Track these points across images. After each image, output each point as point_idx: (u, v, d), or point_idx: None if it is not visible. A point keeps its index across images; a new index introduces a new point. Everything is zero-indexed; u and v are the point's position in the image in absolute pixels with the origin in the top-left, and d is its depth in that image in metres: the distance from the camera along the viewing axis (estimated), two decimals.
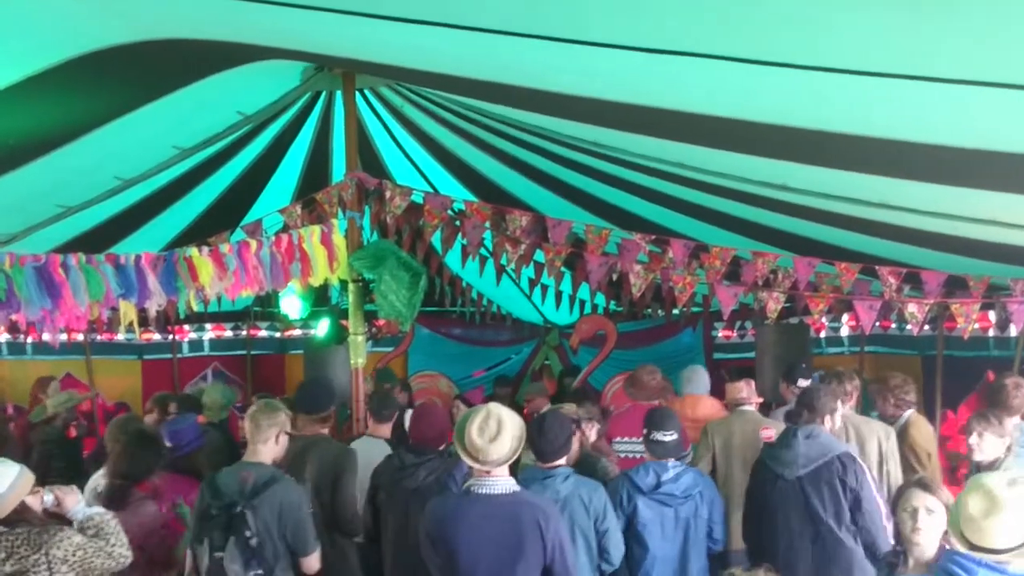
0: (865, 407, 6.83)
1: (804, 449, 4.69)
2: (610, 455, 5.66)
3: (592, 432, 5.51)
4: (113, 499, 4.38)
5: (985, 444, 4.84)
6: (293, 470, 4.58)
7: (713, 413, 6.52)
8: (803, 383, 6.29)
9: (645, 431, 4.81)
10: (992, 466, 4.78)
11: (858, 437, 5.43)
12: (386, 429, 5.57)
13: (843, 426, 5.48)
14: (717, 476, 5.62)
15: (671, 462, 4.74)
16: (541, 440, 4.28)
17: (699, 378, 6.74)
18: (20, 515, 3.55)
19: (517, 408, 8.30)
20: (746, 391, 5.92)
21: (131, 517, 4.26)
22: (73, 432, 7.45)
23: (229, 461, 4.60)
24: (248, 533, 4.00)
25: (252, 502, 4.04)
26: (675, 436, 4.75)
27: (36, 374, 8.69)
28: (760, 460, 4.98)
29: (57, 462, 6.67)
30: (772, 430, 5.70)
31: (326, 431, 5.30)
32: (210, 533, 4.06)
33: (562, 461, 4.39)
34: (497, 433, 3.70)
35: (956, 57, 2.61)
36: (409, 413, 6.15)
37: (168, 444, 4.99)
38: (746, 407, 5.85)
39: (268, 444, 4.27)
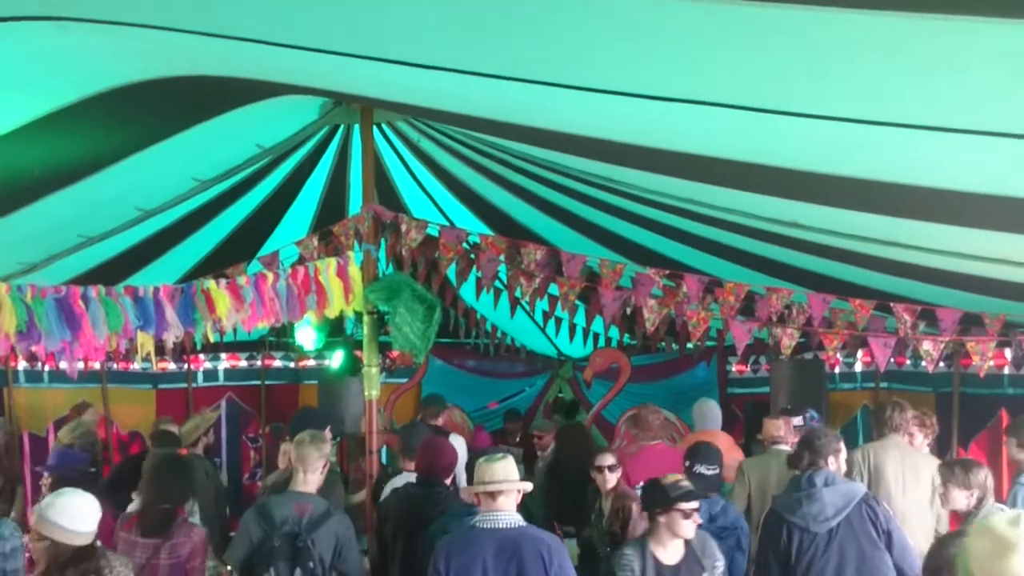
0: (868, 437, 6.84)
1: (830, 497, 4.47)
2: (631, 502, 5.62)
3: (601, 480, 5.51)
4: (159, 525, 4.46)
5: (951, 495, 4.66)
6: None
7: (730, 449, 6.50)
8: (796, 421, 6.29)
9: (687, 463, 4.79)
10: (967, 516, 4.60)
11: (914, 467, 5.39)
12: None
13: (901, 454, 5.43)
14: (751, 515, 5.56)
15: (715, 496, 4.73)
16: None
17: (713, 413, 6.71)
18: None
19: (528, 441, 8.31)
20: (784, 430, 5.86)
21: (179, 540, 4.46)
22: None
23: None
24: (311, 564, 4.12)
25: (312, 535, 4.15)
26: (717, 471, 4.76)
27: (52, 402, 8.73)
28: (774, 513, 4.68)
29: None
30: None
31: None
32: (275, 563, 4.13)
33: None
34: (503, 456, 3.98)
35: (962, 109, 2.66)
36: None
37: (52, 463, 5.45)
38: (782, 446, 5.79)
39: (316, 474, 4.38)
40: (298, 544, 4.16)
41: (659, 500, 4.12)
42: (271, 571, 4.14)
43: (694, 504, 4.14)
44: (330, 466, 5.29)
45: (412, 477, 5.25)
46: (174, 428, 7.10)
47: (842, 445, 4.93)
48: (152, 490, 4.63)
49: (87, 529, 3.53)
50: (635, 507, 5.50)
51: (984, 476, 4.58)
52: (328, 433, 5.52)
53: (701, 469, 4.73)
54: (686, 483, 4.26)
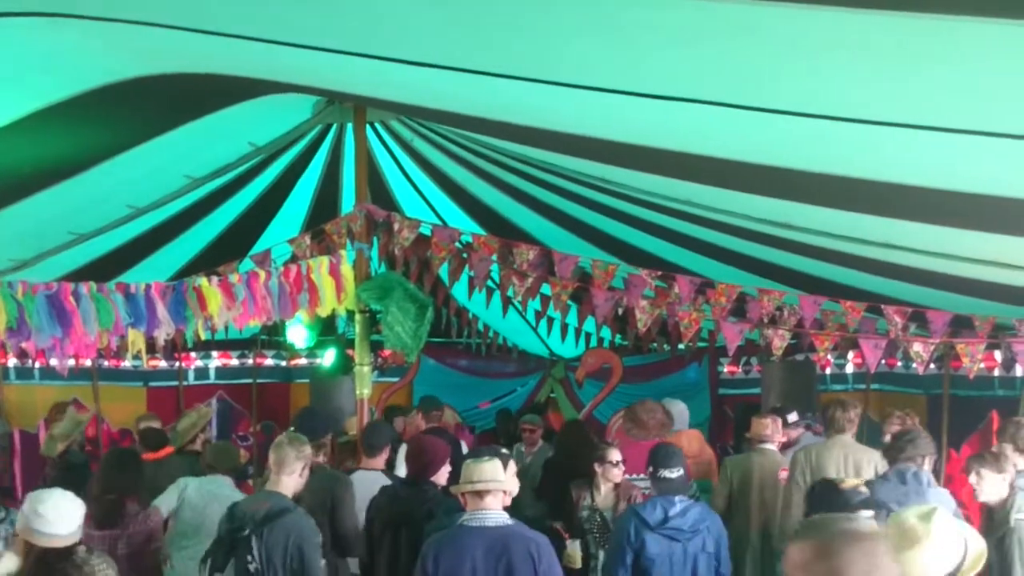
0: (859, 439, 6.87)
1: (933, 498, 4.34)
2: (636, 491, 5.61)
3: (616, 474, 5.50)
4: (107, 516, 4.45)
5: (985, 484, 4.74)
6: None
7: (702, 447, 6.54)
8: (792, 418, 6.35)
9: (650, 468, 4.78)
10: (1003, 507, 4.68)
11: (856, 464, 5.41)
12: (379, 461, 5.45)
13: (844, 454, 5.47)
14: (733, 512, 5.57)
15: (678, 497, 4.70)
16: None
17: (681, 414, 6.76)
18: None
19: (516, 437, 8.32)
20: (771, 428, 5.86)
21: (134, 530, 4.46)
22: None
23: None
24: (249, 558, 4.02)
25: (261, 529, 4.05)
26: (681, 472, 4.71)
27: (43, 399, 8.71)
28: (880, 503, 4.44)
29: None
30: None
31: (321, 459, 5.36)
32: (214, 553, 4.10)
33: None
34: (490, 457, 3.96)
35: (957, 109, 2.67)
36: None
37: None
38: (767, 445, 5.79)
39: (292, 476, 4.26)
40: (237, 536, 4.05)
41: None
42: (208, 562, 4.10)
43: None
44: (322, 465, 5.31)
45: (371, 475, 5.25)
46: (156, 424, 7.06)
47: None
48: (98, 483, 4.63)
49: (60, 531, 3.36)
50: (638, 495, 5.50)
51: (1012, 462, 4.64)
52: (330, 437, 5.54)
53: (664, 472, 4.69)
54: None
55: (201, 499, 5.08)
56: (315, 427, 5.42)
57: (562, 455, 6.55)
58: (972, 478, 4.77)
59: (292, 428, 5.43)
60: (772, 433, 5.82)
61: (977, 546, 2.71)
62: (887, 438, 5.74)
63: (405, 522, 4.56)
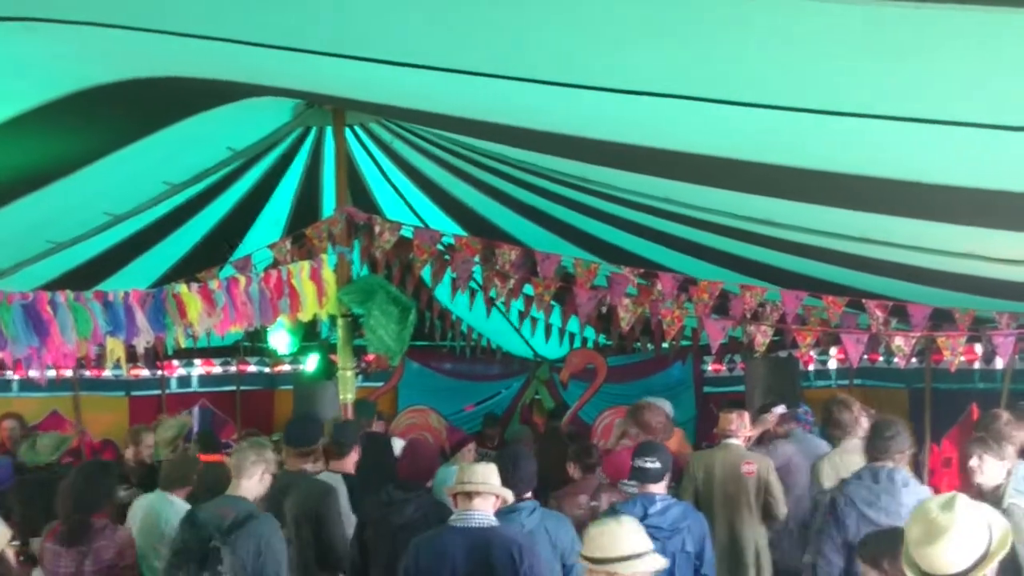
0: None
1: (907, 499, 4.29)
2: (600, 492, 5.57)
3: (574, 471, 5.50)
4: (75, 536, 4.36)
5: (986, 467, 4.69)
6: (271, 506, 4.54)
7: (683, 446, 6.54)
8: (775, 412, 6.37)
9: (632, 462, 4.80)
10: (995, 492, 4.63)
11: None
12: (347, 463, 5.31)
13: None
14: (700, 507, 5.56)
15: (659, 495, 4.69)
16: (515, 473, 4.32)
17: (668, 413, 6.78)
18: None
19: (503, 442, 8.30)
20: (736, 423, 5.85)
21: (101, 545, 4.32)
22: None
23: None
24: (221, 568, 3.97)
25: (229, 538, 4.00)
26: (658, 464, 4.71)
27: (23, 411, 8.60)
28: (849, 501, 4.45)
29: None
30: (755, 465, 5.67)
31: (310, 466, 5.27)
32: (186, 567, 4.03)
33: (529, 494, 4.43)
34: (486, 462, 4.07)
35: (934, 100, 2.68)
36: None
37: None
38: (732, 440, 5.79)
39: (252, 480, 4.23)
40: (209, 548, 3.97)
41: None
42: (179, 573, 4.01)
43: None
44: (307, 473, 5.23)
45: (336, 476, 5.18)
46: (151, 435, 6.99)
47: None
48: (67, 498, 4.48)
49: None
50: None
51: (1013, 449, 4.60)
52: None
53: (639, 462, 4.71)
54: None
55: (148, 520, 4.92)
56: (308, 434, 5.29)
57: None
58: (974, 461, 4.70)
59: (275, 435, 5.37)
60: (737, 428, 5.80)
61: (1001, 526, 2.68)
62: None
63: (400, 527, 4.53)
